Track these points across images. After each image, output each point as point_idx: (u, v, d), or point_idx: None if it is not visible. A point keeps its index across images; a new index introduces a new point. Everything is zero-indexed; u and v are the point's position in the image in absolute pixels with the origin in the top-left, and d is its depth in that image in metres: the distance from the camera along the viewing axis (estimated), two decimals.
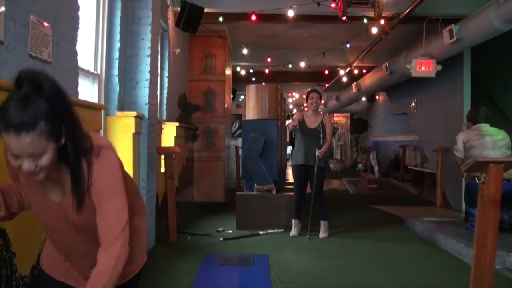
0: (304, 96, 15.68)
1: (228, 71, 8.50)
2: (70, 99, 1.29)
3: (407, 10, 5.73)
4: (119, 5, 3.95)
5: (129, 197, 1.40)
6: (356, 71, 10.43)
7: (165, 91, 5.84)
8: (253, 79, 11.16)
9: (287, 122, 6.89)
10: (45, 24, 2.50)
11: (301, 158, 5.01)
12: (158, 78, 4.92)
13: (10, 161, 1.23)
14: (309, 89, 5.38)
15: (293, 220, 5.14)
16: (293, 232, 5.09)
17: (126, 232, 1.33)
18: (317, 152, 4.86)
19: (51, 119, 1.18)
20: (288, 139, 13.00)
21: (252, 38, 8.66)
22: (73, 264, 1.49)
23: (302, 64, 9.55)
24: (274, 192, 5.56)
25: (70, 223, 1.37)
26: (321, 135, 5.00)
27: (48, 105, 1.17)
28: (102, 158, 1.32)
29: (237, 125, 12.04)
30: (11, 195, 1.41)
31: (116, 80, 3.95)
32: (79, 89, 3.02)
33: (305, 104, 5.28)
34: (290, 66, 9.55)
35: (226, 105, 7.96)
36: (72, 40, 2.90)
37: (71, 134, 1.25)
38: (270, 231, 5.20)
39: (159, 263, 3.85)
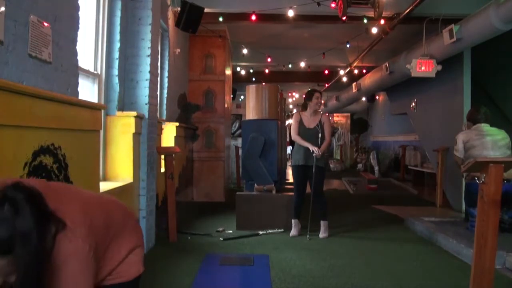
0: (304, 96, 15.73)
1: (228, 71, 8.50)
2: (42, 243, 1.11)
3: (407, 10, 5.73)
4: (119, 5, 3.95)
5: (116, 227, 1.39)
6: (356, 71, 10.43)
7: (165, 91, 5.85)
8: (253, 79, 11.16)
9: (287, 122, 6.89)
10: (45, 24, 2.50)
11: (301, 159, 5.01)
12: (158, 78, 4.92)
13: None
14: (310, 89, 5.37)
15: (293, 220, 5.14)
16: (293, 232, 5.09)
17: None
18: (314, 152, 4.85)
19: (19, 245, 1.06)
20: (288, 139, 12.99)
21: (252, 38, 8.66)
22: None
23: (302, 64, 9.55)
24: (274, 192, 5.56)
25: None
26: (319, 135, 5.00)
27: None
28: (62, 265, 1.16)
29: (237, 125, 12.04)
30: None
31: (116, 80, 3.95)
32: (79, 89, 3.02)
33: (308, 104, 5.22)
34: (290, 66, 9.55)
35: (226, 105, 7.96)
36: (72, 40, 2.90)
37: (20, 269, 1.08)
38: (270, 231, 5.20)
39: (159, 263, 3.85)
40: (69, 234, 1.18)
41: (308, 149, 4.93)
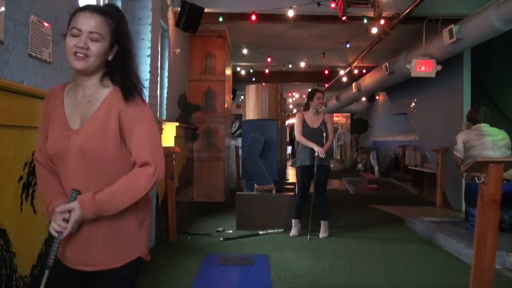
0: (304, 96, 15.71)
1: (228, 71, 8.50)
2: (132, 44, 1.53)
3: (407, 10, 5.73)
4: (119, 5, 3.95)
5: None
6: (356, 71, 10.43)
7: (165, 91, 5.84)
8: (253, 79, 11.16)
9: (287, 122, 6.88)
10: (45, 24, 2.50)
11: (307, 159, 4.98)
12: (158, 78, 4.92)
13: (67, 42, 1.43)
14: (312, 89, 5.36)
15: (293, 220, 5.14)
16: (293, 232, 5.09)
17: (161, 159, 1.43)
18: (318, 153, 4.84)
19: (115, 23, 1.45)
20: (288, 139, 12.97)
21: (252, 38, 8.66)
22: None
23: (302, 64, 9.55)
24: (274, 192, 5.56)
25: (82, 153, 1.40)
26: (324, 134, 5.00)
27: (118, 19, 1.47)
28: (144, 104, 1.47)
29: (237, 125, 12.03)
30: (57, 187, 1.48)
31: None
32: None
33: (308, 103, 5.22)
34: (290, 66, 9.55)
35: (226, 105, 7.96)
36: None
37: (119, 58, 1.47)
38: (270, 231, 5.20)
39: (159, 263, 3.85)
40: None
41: (313, 149, 4.91)
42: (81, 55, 1.40)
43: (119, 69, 1.47)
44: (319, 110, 5.16)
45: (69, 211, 1.35)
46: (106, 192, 1.36)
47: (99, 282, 1.44)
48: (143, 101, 1.48)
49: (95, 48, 1.40)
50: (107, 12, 1.44)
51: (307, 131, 5.05)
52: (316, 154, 4.85)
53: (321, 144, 4.94)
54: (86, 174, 1.41)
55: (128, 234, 1.46)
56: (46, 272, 1.36)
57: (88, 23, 1.40)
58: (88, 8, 1.43)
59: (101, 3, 3.81)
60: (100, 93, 1.46)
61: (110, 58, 1.46)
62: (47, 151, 1.47)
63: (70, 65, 1.44)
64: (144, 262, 1.54)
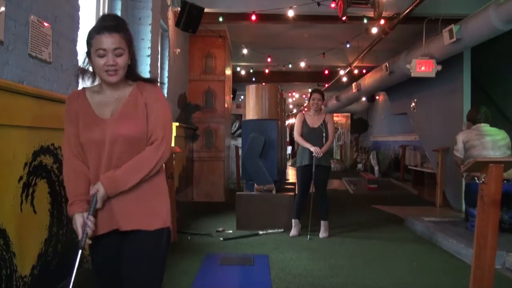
0: (304, 96, 15.72)
1: (228, 71, 8.50)
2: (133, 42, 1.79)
3: (407, 10, 5.73)
4: (119, 5, 3.95)
5: None
6: (356, 71, 10.43)
7: (165, 91, 5.84)
8: (253, 79, 11.15)
9: (287, 122, 6.88)
10: (45, 24, 2.50)
11: (306, 159, 4.99)
12: (158, 78, 4.92)
13: (97, 62, 1.65)
14: (312, 89, 5.35)
15: (293, 220, 5.14)
16: (293, 232, 5.09)
17: (169, 140, 1.72)
18: (315, 154, 4.84)
19: (126, 34, 1.69)
20: (288, 139, 12.97)
21: (252, 38, 8.66)
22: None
23: (302, 64, 9.55)
24: (274, 192, 5.56)
25: (116, 137, 1.64)
26: (324, 134, 5.00)
27: (126, 30, 1.71)
28: (156, 88, 1.78)
29: (237, 125, 12.03)
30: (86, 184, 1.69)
31: None
32: (79, 89, 3.01)
33: (305, 104, 5.26)
34: (290, 66, 9.55)
35: (226, 105, 7.96)
36: (72, 40, 2.90)
37: (132, 60, 1.73)
38: (270, 231, 5.20)
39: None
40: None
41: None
42: (112, 71, 1.64)
43: (134, 68, 1.75)
44: (316, 110, 5.14)
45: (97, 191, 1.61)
46: (122, 168, 1.62)
47: (134, 241, 1.67)
48: (160, 89, 1.79)
49: (121, 61, 1.65)
50: (120, 27, 1.67)
51: (307, 131, 5.05)
52: (314, 154, 4.85)
53: (320, 144, 4.93)
54: (118, 155, 1.65)
55: (156, 205, 1.72)
56: (79, 252, 1.62)
57: (110, 43, 1.63)
58: (105, 28, 1.64)
59: (101, 3, 3.82)
60: (125, 90, 1.72)
61: (129, 63, 1.71)
62: (79, 143, 1.69)
63: (103, 80, 1.68)
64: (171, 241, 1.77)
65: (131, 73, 1.73)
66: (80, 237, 1.62)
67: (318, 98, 5.09)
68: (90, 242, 1.66)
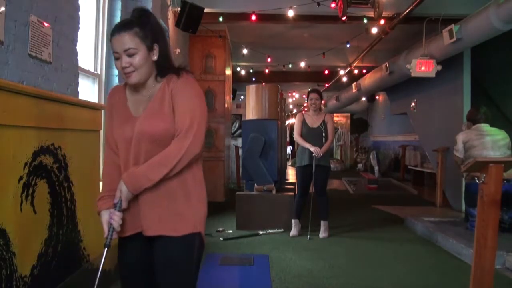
0: (304, 96, 15.71)
1: (228, 71, 8.50)
2: (165, 34, 1.68)
3: (407, 10, 5.73)
4: (119, 5, 3.95)
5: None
6: (356, 71, 10.43)
7: None
8: (253, 79, 11.15)
9: (287, 122, 6.88)
10: (45, 24, 2.50)
11: (306, 159, 4.99)
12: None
13: (116, 65, 1.59)
14: (309, 89, 5.36)
15: (293, 220, 5.14)
16: (293, 232, 5.09)
17: (198, 131, 1.57)
18: (315, 154, 4.84)
19: (144, 29, 1.56)
20: (288, 139, 12.96)
21: (252, 38, 8.66)
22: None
23: (302, 64, 9.54)
24: (274, 192, 5.56)
25: (142, 134, 1.57)
26: (323, 134, 5.00)
27: (144, 23, 1.58)
28: (188, 79, 1.63)
29: (237, 125, 12.03)
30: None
31: (116, 80, 3.94)
32: (79, 89, 3.02)
33: (305, 104, 5.28)
34: (290, 66, 9.55)
35: (226, 105, 7.95)
36: (72, 40, 2.89)
37: (162, 53, 1.62)
38: (270, 231, 5.20)
39: None
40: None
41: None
42: (129, 73, 1.57)
43: (164, 62, 1.64)
44: (315, 110, 5.14)
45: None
46: (145, 164, 1.54)
47: (160, 247, 1.59)
48: (188, 77, 1.63)
49: (135, 61, 1.56)
50: (131, 24, 1.57)
51: (307, 131, 5.05)
52: (313, 154, 4.86)
53: (320, 144, 4.93)
54: (146, 154, 1.56)
55: (184, 208, 1.60)
56: (105, 250, 1.57)
57: (120, 44, 1.55)
58: (116, 30, 1.57)
59: (101, 3, 3.81)
60: (156, 87, 1.64)
61: (155, 58, 1.61)
62: (114, 138, 1.65)
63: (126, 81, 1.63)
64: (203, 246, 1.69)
65: (160, 69, 1.64)
66: (105, 234, 1.57)
67: (316, 97, 5.09)
68: (116, 237, 1.59)
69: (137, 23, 1.57)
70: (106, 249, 1.57)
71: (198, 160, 1.67)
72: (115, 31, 1.57)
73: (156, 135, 1.56)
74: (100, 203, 1.62)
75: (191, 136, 1.54)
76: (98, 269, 1.59)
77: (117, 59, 1.57)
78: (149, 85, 1.64)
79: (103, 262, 1.59)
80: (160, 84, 1.62)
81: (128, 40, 1.54)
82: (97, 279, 1.58)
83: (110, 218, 1.55)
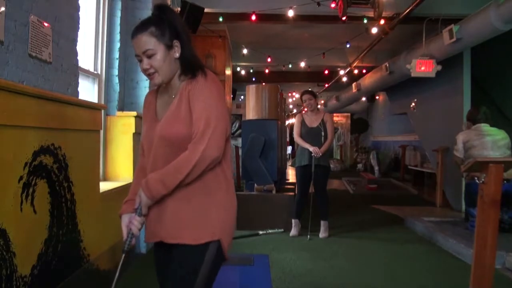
0: None
1: (228, 71, 8.49)
2: (186, 28, 1.60)
3: (407, 10, 5.73)
4: (119, 5, 3.95)
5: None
6: (356, 71, 10.42)
7: None
8: (253, 79, 11.15)
9: (287, 122, 6.88)
10: (45, 24, 2.50)
11: (305, 159, 4.99)
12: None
13: (140, 67, 1.55)
14: (301, 92, 5.34)
15: (293, 220, 5.14)
16: (293, 232, 5.09)
17: (214, 134, 1.46)
18: (314, 154, 4.84)
19: (160, 27, 1.50)
20: (288, 139, 12.95)
21: (252, 38, 8.66)
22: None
23: (302, 64, 9.54)
24: (274, 192, 5.56)
25: (160, 138, 1.53)
26: (323, 133, 5.00)
27: (160, 21, 1.52)
28: (205, 79, 1.53)
29: (237, 125, 12.03)
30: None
31: (116, 80, 3.95)
32: (79, 89, 3.02)
33: (304, 105, 5.27)
34: (290, 66, 9.54)
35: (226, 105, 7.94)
36: (72, 40, 2.89)
37: (184, 50, 1.55)
38: (270, 231, 5.20)
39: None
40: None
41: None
42: (151, 74, 1.53)
43: (187, 59, 1.57)
44: (312, 110, 5.14)
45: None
46: (160, 171, 1.48)
47: (176, 256, 1.53)
48: (206, 77, 1.53)
49: (155, 62, 1.51)
50: (147, 23, 1.52)
51: (306, 131, 5.05)
52: (313, 154, 4.86)
53: (319, 143, 4.93)
54: (164, 156, 1.51)
55: (203, 214, 1.52)
56: (123, 256, 1.53)
57: (138, 46, 1.51)
58: (133, 32, 1.53)
59: (101, 3, 3.82)
60: (179, 88, 1.57)
61: (177, 55, 1.55)
62: (144, 142, 1.63)
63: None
64: (225, 258, 1.65)
65: (183, 67, 1.57)
66: (124, 238, 1.52)
67: (308, 98, 5.09)
68: (134, 243, 1.54)
69: (153, 21, 1.52)
70: (123, 254, 1.53)
71: (222, 163, 1.59)
72: (133, 33, 1.52)
73: (173, 140, 1.50)
74: (124, 207, 1.61)
75: (206, 140, 1.45)
76: (115, 274, 1.56)
77: (139, 61, 1.54)
78: (174, 85, 1.59)
79: (120, 269, 1.55)
80: (182, 84, 1.56)
81: (145, 41, 1.49)
82: (113, 285, 1.54)
83: (130, 223, 1.52)
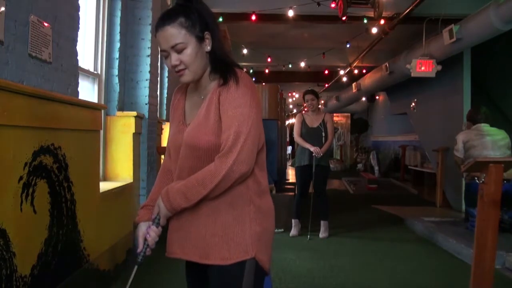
0: None
1: None
2: (215, 18, 1.45)
3: (407, 10, 5.73)
4: (119, 5, 3.95)
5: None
6: (356, 71, 10.43)
7: (165, 91, 5.84)
8: (253, 79, 11.15)
9: (287, 122, 6.89)
10: (45, 24, 2.50)
11: (305, 159, 4.99)
12: (158, 78, 4.92)
13: (166, 64, 1.39)
14: (304, 91, 5.35)
15: (293, 220, 5.14)
16: (293, 232, 5.09)
17: (245, 147, 1.30)
18: (315, 154, 4.84)
19: (190, 17, 1.34)
20: (288, 139, 12.95)
21: (252, 38, 8.66)
22: None
23: (302, 64, 9.55)
24: (274, 192, 5.56)
25: (187, 145, 1.39)
26: (323, 133, 5.00)
27: (189, 10, 1.35)
28: (238, 81, 1.36)
29: None
30: None
31: (116, 80, 3.94)
32: (79, 89, 3.02)
33: (305, 104, 5.28)
34: (290, 66, 9.55)
35: None
36: (72, 40, 2.89)
37: (215, 42, 1.39)
38: None
39: (159, 263, 3.85)
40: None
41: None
42: (180, 70, 1.37)
43: (217, 53, 1.40)
44: (313, 110, 5.14)
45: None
46: (183, 182, 1.34)
47: (211, 275, 1.41)
48: (238, 81, 1.35)
49: (186, 57, 1.35)
50: (175, 13, 1.35)
51: (306, 131, 5.05)
52: (313, 154, 4.86)
53: (320, 144, 4.93)
54: (190, 166, 1.38)
55: (232, 231, 1.37)
56: (135, 268, 1.42)
57: (165, 40, 1.34)
58: (159, 24, 1.35)
59: (101, 3, 3.81)
60: (209, 88, 1.42)
61: (208, 48, 1.38)
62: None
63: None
64: (266, 272, 1.47)
65: (213, 63, 1.40)
66: (139, 249, 1.41)
67: (311, 98, 5.09)
68: (149, 254, 1.43)
69: (181, 11, 1.34)
70: (136, 266, 1.41)
71: (255, 173, 1.43)
72: (158, 25, 1.35)
73: (199, 149, 1.36)
74: (141, 213, 1.49)
75: (235, 153, 1.29)
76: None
77: (166, 57, 1.37)
78: (203, 83, 1.43)
79: (132, 280, 1.45)
80: (212, 85, 1.41)
81: (174, 34, 1.32)
82: None
83: (147, 233, 1.40)
